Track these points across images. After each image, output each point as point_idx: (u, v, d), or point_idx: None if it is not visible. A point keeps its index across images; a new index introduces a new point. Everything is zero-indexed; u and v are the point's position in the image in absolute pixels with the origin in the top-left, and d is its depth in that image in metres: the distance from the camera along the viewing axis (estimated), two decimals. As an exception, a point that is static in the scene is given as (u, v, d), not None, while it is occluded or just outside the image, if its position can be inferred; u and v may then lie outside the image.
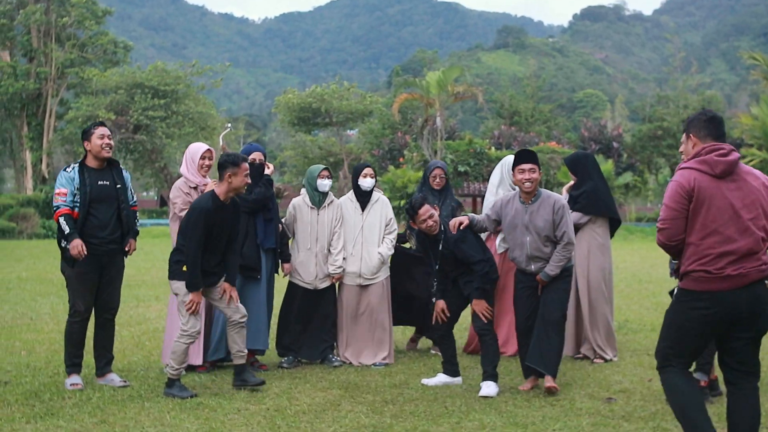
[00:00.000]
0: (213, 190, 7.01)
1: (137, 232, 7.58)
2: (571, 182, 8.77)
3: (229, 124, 51.34)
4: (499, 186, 8.78)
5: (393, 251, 8.66)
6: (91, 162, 7.29)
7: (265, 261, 8.12)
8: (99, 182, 7.22)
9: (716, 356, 5.16)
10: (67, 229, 7.04)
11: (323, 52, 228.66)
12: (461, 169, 35.13)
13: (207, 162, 8.08)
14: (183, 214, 7.58)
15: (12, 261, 22.28)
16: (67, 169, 7.23)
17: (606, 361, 8.45)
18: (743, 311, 4.77)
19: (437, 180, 8.92)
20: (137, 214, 7.64)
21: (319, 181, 8.36)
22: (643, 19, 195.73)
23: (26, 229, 36.59)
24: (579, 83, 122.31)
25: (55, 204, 7.15)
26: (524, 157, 7.12)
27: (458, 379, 7.54)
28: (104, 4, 52.51)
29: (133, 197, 7.53)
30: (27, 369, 7.96)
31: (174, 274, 6.99)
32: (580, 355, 8.63)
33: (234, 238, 7.20)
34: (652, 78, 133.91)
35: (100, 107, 44.40)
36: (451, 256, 7.29)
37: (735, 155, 4.85)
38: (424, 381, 7.52)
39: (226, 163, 6.93)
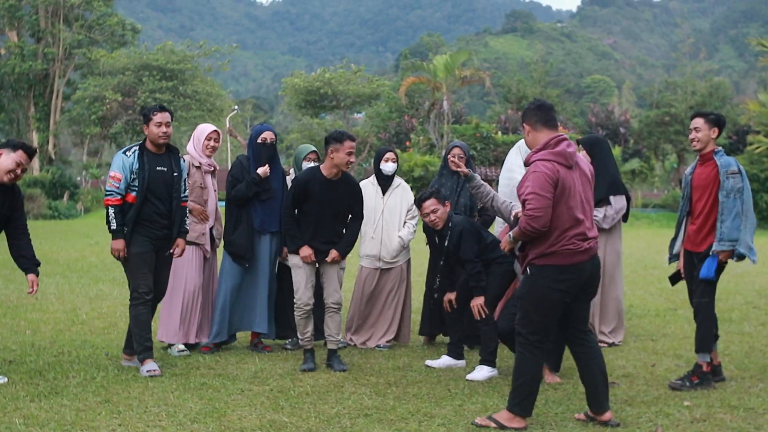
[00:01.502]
0: (319, 165, 7.22)
1: (187, 231, 7.39)
2: None
3: (236, 107, 51.24)
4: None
5: (414, 236, 8.62)
6: (150, 146, 7.17)
7: (269, 244, 8.06)
8: (157, 167, 7.08)
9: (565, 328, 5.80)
10: (114, 225, 6.95)
11: (331, 35, 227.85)
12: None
13: (212, 143, 8.04)
14: None
15: (18, 241, 22.22)
16: (127, 153, 7.07)
17: (609, 345, 8.44)
18: (590, 278, 5.62)
19: (456, 160, 7.82)
20: (186, 211, 7.39)
21: (305, 164, 8.34)
22: (651, 5, 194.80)
23: (32, 210, 36.62)
24: (587, 68, 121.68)
25: (107, 188, 7.01)
26: None
27: (462, 362, 7.56)
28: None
29: (185, 190, 7.33)
30: (32, 348, 8.00)
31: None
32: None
33: (355, 213, 7.42)
34: (660, 64, 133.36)
35: (108, 88, 44.39)
36: (454, 252, 7.32)
37: (574, 146, 5.62)
38: (429, 363, 7.55)
39: (330, 139, 7.12)
